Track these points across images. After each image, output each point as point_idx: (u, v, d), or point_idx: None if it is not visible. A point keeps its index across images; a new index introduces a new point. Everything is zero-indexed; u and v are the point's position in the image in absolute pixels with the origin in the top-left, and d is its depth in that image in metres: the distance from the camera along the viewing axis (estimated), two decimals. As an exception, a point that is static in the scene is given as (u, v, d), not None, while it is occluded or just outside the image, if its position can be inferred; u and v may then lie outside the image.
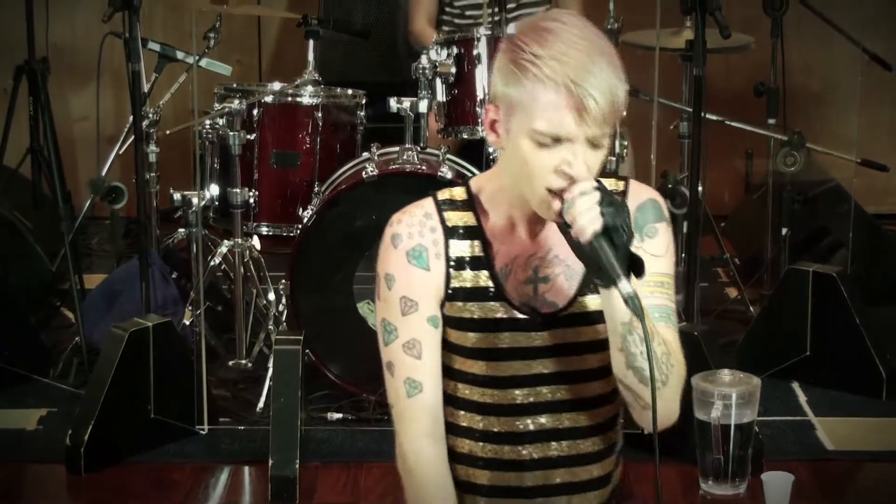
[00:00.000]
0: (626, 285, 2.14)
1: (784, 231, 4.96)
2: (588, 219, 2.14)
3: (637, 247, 2.26)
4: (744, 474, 3.66)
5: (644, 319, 2.14)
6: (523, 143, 2.22)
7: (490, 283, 2.34)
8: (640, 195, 2.37)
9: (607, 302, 2.20)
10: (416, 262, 2.33)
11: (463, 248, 2.35)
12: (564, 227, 2.20)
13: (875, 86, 5.53)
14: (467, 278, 2.34)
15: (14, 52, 5.30)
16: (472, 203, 2.36)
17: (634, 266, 2.17)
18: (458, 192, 2.38)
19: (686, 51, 4.74)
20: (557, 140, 2.20)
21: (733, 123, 5.05)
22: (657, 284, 2.30)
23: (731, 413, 3.61)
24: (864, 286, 4.72)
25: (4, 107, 5.11)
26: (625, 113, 2.25)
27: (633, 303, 2.13)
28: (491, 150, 4.22)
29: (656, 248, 2.33)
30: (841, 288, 4.29)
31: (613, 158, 4.36)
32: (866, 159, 4.97)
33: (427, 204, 2.37)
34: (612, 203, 2.17)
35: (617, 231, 2.15)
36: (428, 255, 2.33)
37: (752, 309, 4.86)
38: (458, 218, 2.35)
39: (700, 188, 4.29)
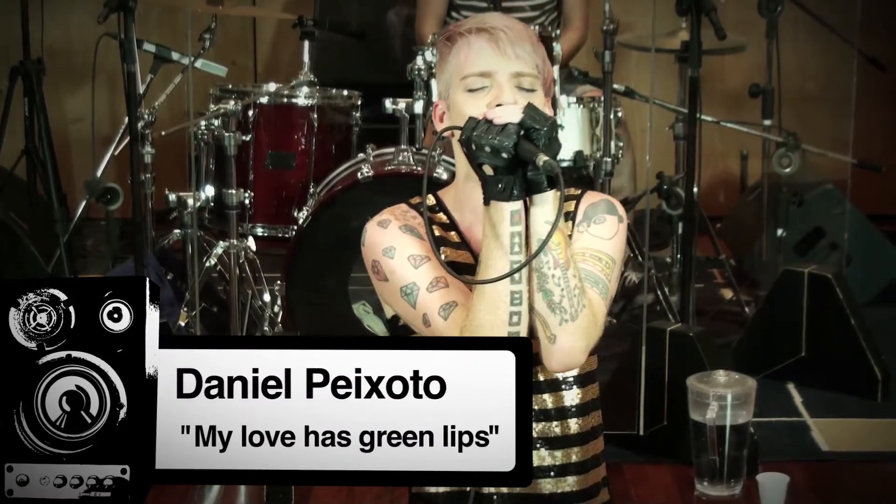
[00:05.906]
0: (541, 156, 2.12)
1: (779, 232, 4.97)
2: (508, 113, 2.18)
3: (581, 231, 2.35)
4: (739, 475, 3.66)
5: (561, 186, 2.13)
6: (458, 97, 2.34)
7: (472, 261, 2.37)
8: (596, 197, 2.43)
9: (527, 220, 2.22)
10: (409, 233, 2.38)
11: (442, 235, 2.42)
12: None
13: (870, 87, 5.53)
14: (450, 255, 2.40)
15: (9, 53, 5.30)
16: (441, 207, 2.45)
17: (551, 179, 2.17)
18: (427, 199, 2.45)
19: (681, 52, 4.76)
20: (484, 77, 2.32)
21: (728, 124, 5.06)
22: (593, 257, 2.32)
23: (726, 414, 3.61)
24: (860, 287, 4.72)
25: (-1, 108, 5.11)
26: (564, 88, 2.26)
27: (547, 166, 2.11)
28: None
29: (601, 231, 2.37)
30: (836, 289, 4.29)
31: (609, 160, 4.36)
32: (861, 160, 4.98)
33: (402, 206, 2.45)
34: (539, 113, 2.18)
35: (536, 130, 2.15)
36: (418, 231, 2.38)
37: (747, 310, 4.86)
38: (432, 215, 2.43)
39: (695, 189, 4.29)
